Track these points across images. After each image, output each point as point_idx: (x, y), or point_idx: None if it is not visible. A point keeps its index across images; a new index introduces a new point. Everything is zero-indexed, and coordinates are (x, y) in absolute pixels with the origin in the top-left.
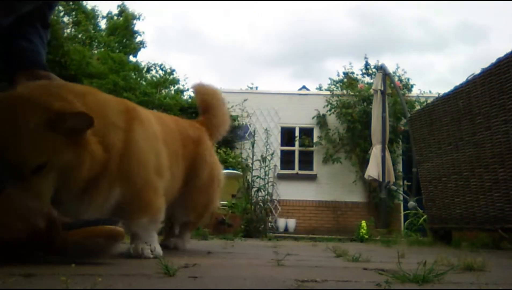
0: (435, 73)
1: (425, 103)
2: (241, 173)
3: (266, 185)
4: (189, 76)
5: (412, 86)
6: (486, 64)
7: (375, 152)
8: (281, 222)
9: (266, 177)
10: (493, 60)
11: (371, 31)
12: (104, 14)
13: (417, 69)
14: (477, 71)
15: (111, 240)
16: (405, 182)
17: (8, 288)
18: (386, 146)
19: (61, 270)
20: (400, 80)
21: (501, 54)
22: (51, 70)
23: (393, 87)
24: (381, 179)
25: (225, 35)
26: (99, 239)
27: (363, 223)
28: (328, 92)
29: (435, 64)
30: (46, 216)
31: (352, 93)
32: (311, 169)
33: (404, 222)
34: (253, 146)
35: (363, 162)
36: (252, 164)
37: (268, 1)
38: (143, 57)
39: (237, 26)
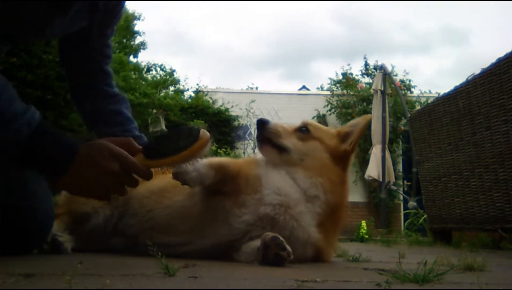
0: (421, 75)
1: (425, 103)
2: None
3: None
4: (189, 76)
5: (414, 86)
6: (472, 65)
7: (375, 152)
8: None
9: None
10: (477, 62)
11: (356, 34)
12: None
13: (404, 71)
14: (463, 73)
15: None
16: (405, 182)
17: (8, 288)
18: (386, 146)
19: (61, 270)
20: (401, 81)
21: (484, 56)
22: (52, 70)
23: (393, 87)
24: (381, 179)
25: (213, 39)
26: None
27: (363, 223)
28: (328, 92)
29: (421, 67)
30: (116, 157)
31: (352, 93)
32: None
33: (404, 222)
34: (255, 146)
35: (363, 162)
36: None
37: (254, 1)
38: (142, 58)
39: (225, 29)
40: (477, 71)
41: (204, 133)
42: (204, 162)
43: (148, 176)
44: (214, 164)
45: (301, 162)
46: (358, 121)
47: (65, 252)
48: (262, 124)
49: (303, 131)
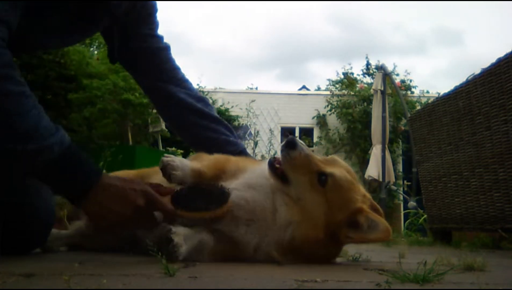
0: (417, 76)
1: (425, 103)
2: None
3: None
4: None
5: (414, 86)
6: (467, 66)
7: (375, 152)
8: None
9: None
10: (472, 62)
11: (351, 35)
12: None
13: (405, 71)
14: (458, 73)
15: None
16: (405, 182)
17: (8, 288)
18: (386, 146)
19: (61, 270)
20: (402, 81)
21: (479, 56)
22: (51, 70)
23: (393, 87)
24: (381, 179)
25: (211, 40)
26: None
27: None
28: (328, 92)
29: (417, 68)
30: (143, 193)
31: (352, 93)
32: None
33: (404, 222)
34: (256, 146)
35: (363, 162)
36: None
37: (251, 1)
38: None
39: (222, 31)
40: (473, 71)
41: (231, 198)
42: (189, 165)
43: (172, 217)
44: (196, 169)
45: (296, 200)
46: (378, 227)
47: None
48: (289, 147)
49: (322, 177)
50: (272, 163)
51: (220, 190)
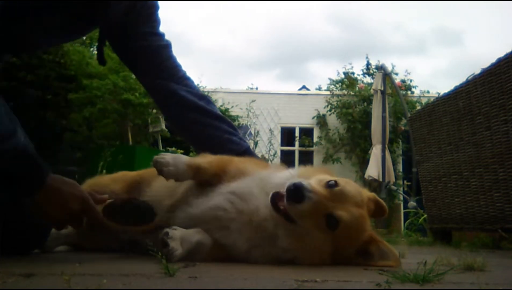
0: (417, 76)
1: (426, 103)
2: None
3: None
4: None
5: (414, 86)
6: (467, 66)
7: (375, 152)
8: None
9: None
10: (471, 62)
11: (351, 35)
12: None
13: (406, 71)
14: (458, 73)
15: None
16: (405, 182)
17: (8, 288)
18: (386, 146)
19: (61, 270)
20: (403, 81)
21: (478, 57)
22: (51, 70)
23: (393, 87)
24: (381, 179)
25: (210, 40)
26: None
27: None
28: (328, 92)
29: (416, 68)
30: (81, 199)
31: (352, 93)
32: None
33: (404, 222)
34: (256, 146)
35: (363, 162)
36: None
37: (250, 1)
38: None
39: (222, 31)
40: (473, 71)
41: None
42: (185, 161)
43: (99, 226)
44: (193, 165)
45: (301, 236)
46: (389, 257)
47: None
48: (295, 201)
49: (331, 221)
50: (275, 203)
51: (148, 209)
